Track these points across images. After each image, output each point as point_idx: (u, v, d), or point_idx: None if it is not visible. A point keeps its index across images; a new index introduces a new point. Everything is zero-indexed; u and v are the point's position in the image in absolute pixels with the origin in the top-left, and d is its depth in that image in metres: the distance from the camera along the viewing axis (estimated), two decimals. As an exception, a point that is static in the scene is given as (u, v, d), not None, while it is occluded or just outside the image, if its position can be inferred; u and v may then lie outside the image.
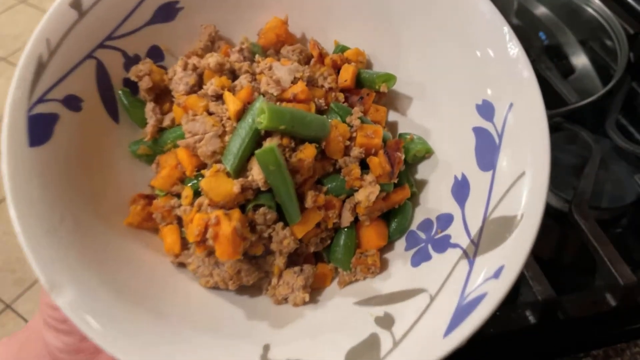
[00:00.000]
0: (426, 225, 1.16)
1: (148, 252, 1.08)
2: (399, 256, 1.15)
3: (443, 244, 1.09)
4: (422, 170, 1.24)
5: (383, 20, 1.23)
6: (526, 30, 1.01)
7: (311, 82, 1.20)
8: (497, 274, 0.94)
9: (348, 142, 1.10)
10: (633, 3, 1.27)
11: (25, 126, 0.94)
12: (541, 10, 1.42)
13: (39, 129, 0.96)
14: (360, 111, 1.23)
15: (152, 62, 1.17)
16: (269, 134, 1.04)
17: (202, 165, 1.07)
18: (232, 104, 1.04)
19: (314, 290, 1.12)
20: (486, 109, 1.13)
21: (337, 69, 1.26)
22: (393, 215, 1.18)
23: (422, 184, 1.23)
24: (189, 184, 1.07)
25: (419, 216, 1.19)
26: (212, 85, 1.08)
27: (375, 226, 1.15)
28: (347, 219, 1.12)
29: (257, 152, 0.97)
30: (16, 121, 0.93)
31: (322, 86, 1.19)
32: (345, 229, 1.14)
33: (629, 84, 1.06)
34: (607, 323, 1.02)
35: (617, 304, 1.04)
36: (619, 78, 1.15)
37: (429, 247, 1.11)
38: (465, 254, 1.03)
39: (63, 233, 0.90)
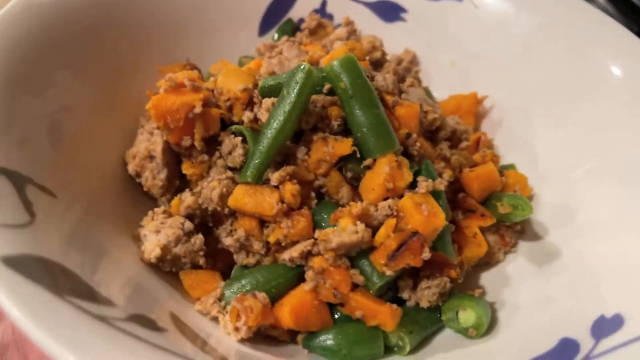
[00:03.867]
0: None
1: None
2: None
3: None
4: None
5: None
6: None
7: (434, 139, 0.96)
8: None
9: (392, 186, 0.80)
10: (637, 2, 1.32)
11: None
12: None
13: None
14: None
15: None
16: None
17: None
18: (337, 52, 0.93)
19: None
20: (608, 325, 0.65)
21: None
22: (340, 325, 0.77)
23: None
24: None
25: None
26: (342, 42, 0.99)
27: (311, 302, 0.76)
28: (291, 251, 0.79)
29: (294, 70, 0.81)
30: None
31: (441, 151, 0.93)
32: (281, 265, 0.80)
33: None
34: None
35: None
36: None
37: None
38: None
39: None
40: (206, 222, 0.85)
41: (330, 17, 1.21)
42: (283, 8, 1.18)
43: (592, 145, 0.92)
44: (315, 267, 0.76)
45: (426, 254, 0.74)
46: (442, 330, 0.81)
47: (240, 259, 0.83)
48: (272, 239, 0.80)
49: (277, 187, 0.80)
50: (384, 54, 1.06)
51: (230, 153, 0.84)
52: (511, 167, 1.00)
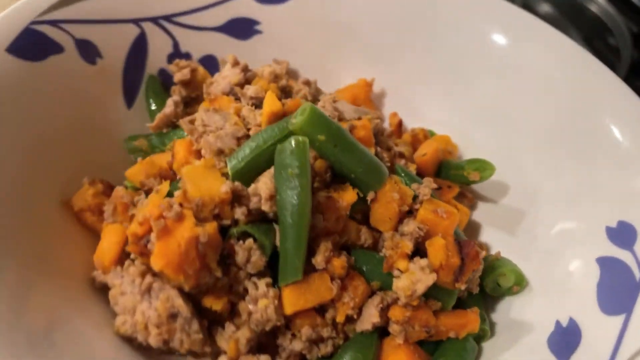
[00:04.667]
0: (494, 381, 0.75)
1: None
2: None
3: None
4: (504, 309, 0.88)
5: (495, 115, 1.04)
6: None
7: (377, 141, 0.98)
8: None
9: (406, 208, 0.82)
10: (637, 2, 1.29)
11: (17, 33, 0.81)
12: (545, 8, 1.44)
13: (32, 43, 0.83)
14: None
15: (201, 66, 1.05)
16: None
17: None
18: (271, 104, 0.84)
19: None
20: (622, 234, 0.82)
21: (416, 145, 1.05)
22: (442, 354, 0.79)
23: (499, 327, 0.86)
24: (170, 182, 0.82)
25: (484, 367, 0.79)
26: (255, 85, 0.90)
27: (411, 352, 0.76)
28: (369, 318, 0.76)
29: (279, 145, 0.73)
30: (10, 24, 0.81)
31: (390, 149, 0.97)
32: (362, 336, 0.76)
33: (633, 83, 0.94)
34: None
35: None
36: (623, 77, 1.06)
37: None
38: None
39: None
40: (260, 344, 0.75)
41: (188, 56, 1.07)
42: (137, 67, 1.00)
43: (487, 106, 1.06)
44: (400, 319, 0.75)
45: (482, 254, 0.80)
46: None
47: (314, 355, 0.77)
48: (341, 318, 0.76)
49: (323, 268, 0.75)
50: (288, 78, 1.01)
51: (248, 261, 0.74)
52: (431, 133, 1.10)
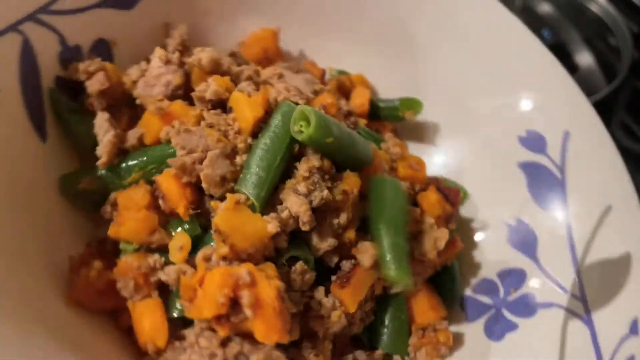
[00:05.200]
0: (486, 286, 0.96)
1: None
2: (465, 329, 0.91)
3: (526, 306, 0.89)
4: (458, 221, 1.06)
5: (396, 46, 1.10)
6: (530, 28, 1.00)
7: (324, 104, 0.98)
8: (634, 329, 0.78)
9: (391, 171, 0.89)
10: (637, 2, 1.29)
11: None
12: (545, 8, 1.43)
13: None
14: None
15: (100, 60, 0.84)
16: (301, 153, 0.78)
17: (197, 202, 0.75)
18: (253, 109, 0.77)
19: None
20: (533, 141, 1.03)
21: (344, 93, 1.07)
22: (443, 280, 0.95)
23: (462, 241, 1.04)
24: (182, 228, 0.72)
25: (470, 278, 0.98)
26: (211, 85, 0.79)
27: (429, 292, 0.91)
28: (399, 280, 0.86)
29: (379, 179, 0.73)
30: None
31: (340, 109, 0.98)
32: (395, 297, 0.87)
33: (633, 83, 1.05)
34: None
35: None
36: (623, 77, 1.13)
37: (505, 312, 0.90)
38: (571, 312, 0.84)
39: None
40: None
41: (78, 49, 0.83)
42: (34, 86, 0.76)
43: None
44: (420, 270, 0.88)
45: (461, 195, 0.94)
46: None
47: (361, 328, 0.86)
48: (379, 291, 0.85)
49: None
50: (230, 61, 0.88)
51: (303, 282, 0.75)
52: (344, 72, 1.12)
